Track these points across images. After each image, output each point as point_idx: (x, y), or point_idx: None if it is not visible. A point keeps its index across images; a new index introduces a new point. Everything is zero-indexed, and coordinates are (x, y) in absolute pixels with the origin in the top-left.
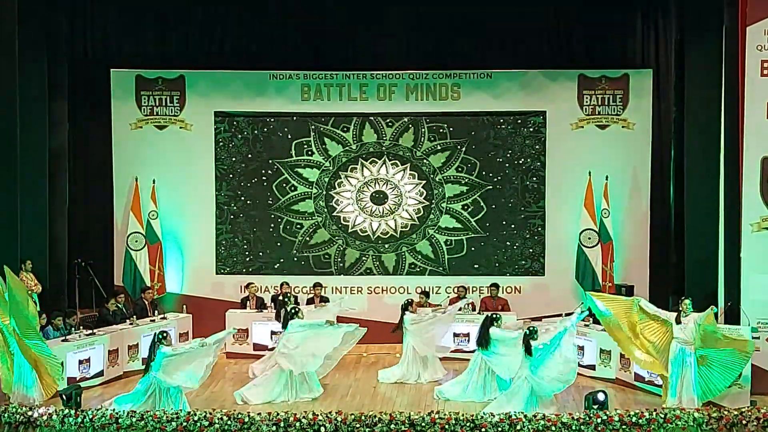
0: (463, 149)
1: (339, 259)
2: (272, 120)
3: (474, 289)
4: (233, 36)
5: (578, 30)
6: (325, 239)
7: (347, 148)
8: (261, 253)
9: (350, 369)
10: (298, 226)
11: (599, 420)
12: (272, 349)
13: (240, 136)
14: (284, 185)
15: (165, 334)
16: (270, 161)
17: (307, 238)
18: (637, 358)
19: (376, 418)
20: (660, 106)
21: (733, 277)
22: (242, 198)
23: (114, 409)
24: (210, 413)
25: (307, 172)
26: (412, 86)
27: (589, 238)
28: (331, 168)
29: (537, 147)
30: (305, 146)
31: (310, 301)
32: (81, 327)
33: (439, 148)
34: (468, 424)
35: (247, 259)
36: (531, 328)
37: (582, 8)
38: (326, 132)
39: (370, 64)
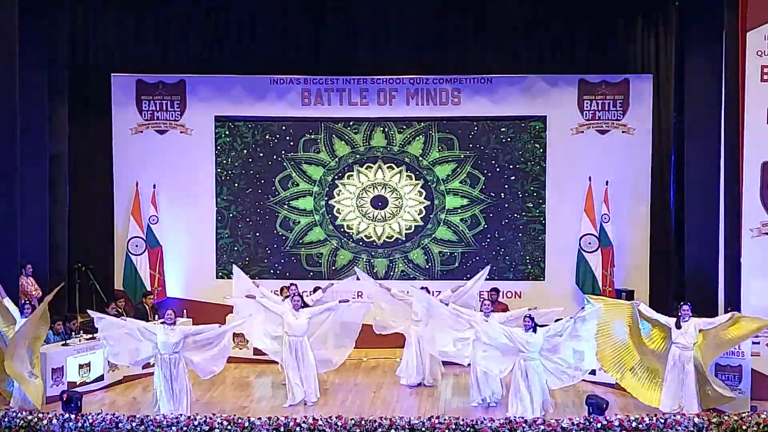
0: (470, 163)
1: (331, 260)
2: (273, 124)
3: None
4: (234, 41)
5: (579, 35)
6: (320, 238)
7: (355, 149)
8: (261, 258)
9: (350, 373)
10: (295, 222)
11: (599, 425)
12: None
13: (240, 140)
14: (287, 180)
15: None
16: (275, 156)
17: (302, 235)
18: (629, 382)
19: (376, 423)
20: (660, 111)
21: (733, 281)
22: (242, 202)
23: (114, 414)
24: (210, 418)
25: (312, 170)
26: (413, 91)
27: (590, 243)
28: (336, 168)
29: (537, 152)
30: (313, 144)
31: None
32: (81, 331)
33: (446, 159)
34: (468, 429)
35: (247, 263)
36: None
37: (582, 13)
38: (336, 131)
39: (370, 68)
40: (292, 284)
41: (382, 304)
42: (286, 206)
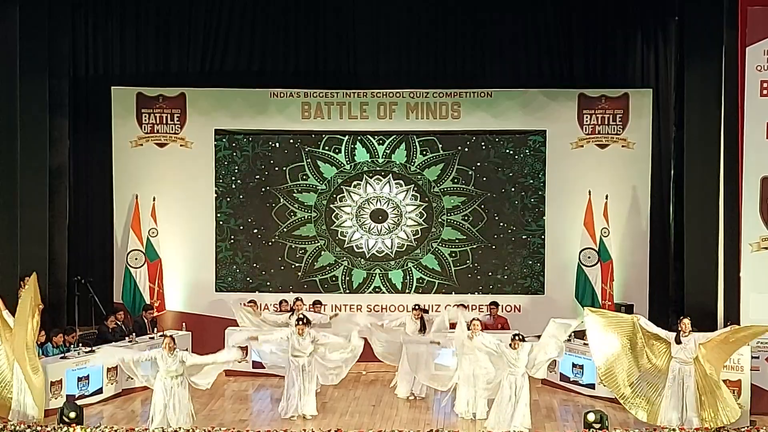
0: (457, 160)
1: (346, 281)
2: (272, 138)
3: (474, 307)
4: (234, 54)
5: (578, 49)
6: (330, 262)
7: (341, 169)
8: (261, 271)
9: (349, 387)
10: (302, 252)
11: None
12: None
13: (240, 154)
14: (283, 211)
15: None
16: (267, 188)
17: (313, 263)
18: (628, 399)
19: None
20: (660, 125)
21: (733, 296)
22: (242, 216)
23: (113, 427)
24: (209, 431)
25: (304, 197)
26: (413, 105)
27: (589, 257)
28: (327, 190)
29: (537, 166)
30: (300, 171)
31: None
32: (80, 344)
33: (432, 161)
34: None
35: (247, 276)
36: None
37: (582, 28)
38: (319, 155)
39: (370, 82)
40: (297, 299)
41: (377, 339)
42: (289, 237)
